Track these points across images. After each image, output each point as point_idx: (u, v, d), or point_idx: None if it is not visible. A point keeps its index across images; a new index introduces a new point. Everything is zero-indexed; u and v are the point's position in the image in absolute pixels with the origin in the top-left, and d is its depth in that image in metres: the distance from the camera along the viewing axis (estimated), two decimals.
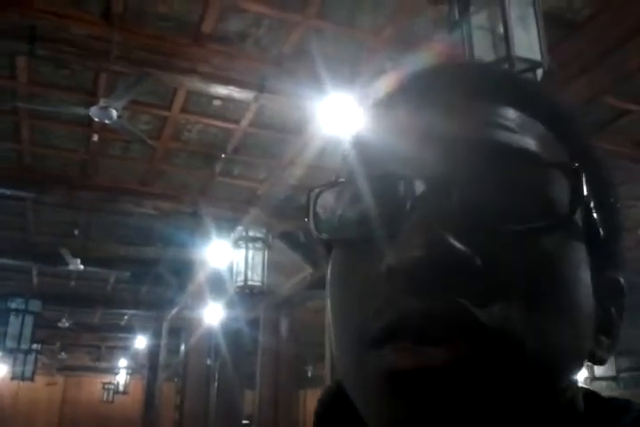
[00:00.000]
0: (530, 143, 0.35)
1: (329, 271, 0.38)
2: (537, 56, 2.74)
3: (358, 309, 0.33)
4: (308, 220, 0.37)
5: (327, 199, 0.38)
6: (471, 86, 0.38)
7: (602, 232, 0.36)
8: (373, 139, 0.39)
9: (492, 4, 2.88)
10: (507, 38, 2.72)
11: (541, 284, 0.31)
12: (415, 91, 0.39)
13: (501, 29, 2.81)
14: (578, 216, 0.34)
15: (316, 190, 0.37)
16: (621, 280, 0.39)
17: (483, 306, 0.29)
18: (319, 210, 0.37)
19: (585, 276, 0.34)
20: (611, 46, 3.47)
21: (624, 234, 0.40)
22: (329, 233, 0.37)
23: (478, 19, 2.94)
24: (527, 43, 2.76)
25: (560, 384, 0.33)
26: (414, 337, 0.29)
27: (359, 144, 0.40)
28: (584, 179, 0.33)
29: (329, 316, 0.37)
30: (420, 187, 0.32)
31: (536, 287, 0.31)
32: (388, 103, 0.41)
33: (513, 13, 2.84)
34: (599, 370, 8.89)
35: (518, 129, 0.36)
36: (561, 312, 0.32)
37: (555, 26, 3.49)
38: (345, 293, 0.35)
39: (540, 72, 2.72)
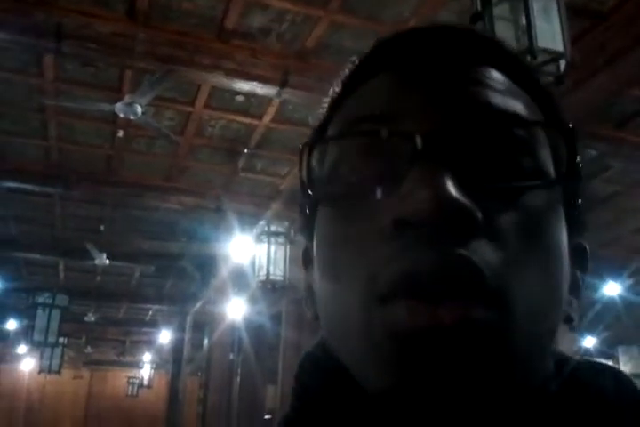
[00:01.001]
0: (520, 107, 0.35)
1: (320, 231, 0.37)
2: (560, 47, 2.72)
3: (360, 265, 0.32)
4: (301, 176, 0.36)
5: (320, 155, 0.37)
6: (460, 47, 0.38)
7: (579, 198, 0.38)
8: (366, 94, 0.38)
9: None
10: (529, 29, 2.71)
11: (533, 242, 0.33)
12: (404, 49, 0.39)
13: (524, 21, 2.80)
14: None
15: (309, 145, 0.36)
16: (586, 246, 0.41)
17: (485, 261, 0.30)
18: (313, 165, 0.36)
19: (565, 238, 0.36)
20: (636, 37, 3.42)
21: (588, 202, 0.41)
22: (323, 190, 0.37)
23: (501, 10, 2.93)
24: (550, 34, 2.75)
25: (550, 341, 0.34)
26: (424, 293, 0.29)
27: (351, 99, 0.39)
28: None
29: (319, 277, 0.36)
30: (418, 142, 0.32)
31: (528, 245, 0.32)
32: (376, 59, 0.40)
33: (535, 5, 2.82)
34: (625, 367, 8.78)
35: (507, 92, 0.36)
36: (548, 272, 0.33)
37: (579, 17, 3.46)
38: (344, 250, 0.34)
39: (562, 63, 2.70)
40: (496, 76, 0.37)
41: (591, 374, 0.38)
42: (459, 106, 0.34)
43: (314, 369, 0.40)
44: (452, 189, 0.30)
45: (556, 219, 0.35)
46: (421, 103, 0.35)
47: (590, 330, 8.70)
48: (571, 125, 0.34)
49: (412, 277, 0.30)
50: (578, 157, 0.34)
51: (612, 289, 7.59)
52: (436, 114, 0.34)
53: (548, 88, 0.40)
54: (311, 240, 0.40)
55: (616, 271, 7.28)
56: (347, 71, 0.42)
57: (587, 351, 8.80)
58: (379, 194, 0.33)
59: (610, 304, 7.71)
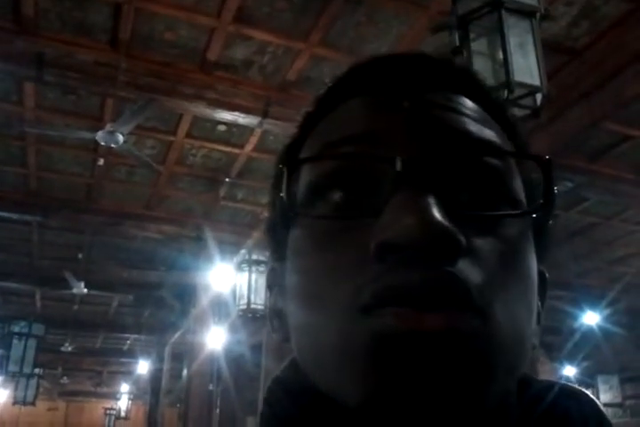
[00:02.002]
0: (494, 136, 0.36)
1: (295, 253, 0.37)
2: (536, 81, 2.78)
3: (343, 284, 0.32)
4: (282, 195, 0.35)
5: (296, 179, 0.37)
6: (436, 75, 0.39)
7: (548, 228, 0.38)
8: (343, 116, 0.39)
9: (492, 32, 2.93)
10: (506, 64, 2.77)
11: (509, 266, 0.33)
12: (381, 73, 0.39)
13: (501, 56, 2.86)
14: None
15: (287, 165, 0.36)
16: (546, 274, 0.42)
17: (470, 278, 0.30)
18: (287, 189, 0.36)
19: (535, 264, 0.36)
20: (609, 73, 3.52)
21: (553, 232, 0.42)
22: (301, 210, 0.36)
23: (478, 45, 2.99)
24: (526, 68, 2.81)
25: (524, 361, 0.35)
26: (412, 303, 0.29)
27: (327, 120, 0.40)
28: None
29: (294, 298, 0.36)
30: (399, 166, 0.32)
31: (505, 269, 0.33)
32: (352, 82, 0.40)
33: (512, 40, 2.89)
34: (605, 396, 8.77)
35: (481, 121, 0.37)
36: (524, 295, 0.34)
37: (555, 53, 3.55)
38: (324, 271, 0.34)
39: (539, 97, 2.75)
40: (470, 104, 0.38)
41: (556, 395, 0.38)
42: (438, 132, 0.35)
43: (284, 393, 0.39)
44: (436, 213, 0.30)
45: (528, 246, 0.36)
46: (401, 127, 0.35)
47: (570, 359, 8.71)
48: (548, 157, 0.35)
49: (400, 289, 0.30)
50: (555, 189, 0.34)
51: (590, 318, 7.63)
52: (416, 139, 0.34)
53: (514, 119, 0.41)
54: (280, 261, 0.40)
55: (594, 301, 7.33)
56: (321, 93, 0.42)
57: (567, 380, 8.78)
58: (361, 217, 0.33)
59: (589, 334, 7.75)
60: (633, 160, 4.76)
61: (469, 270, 0.31)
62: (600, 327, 7.63)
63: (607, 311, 7.42)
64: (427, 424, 0.30)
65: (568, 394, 0.39)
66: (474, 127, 0.36)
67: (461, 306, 0.30)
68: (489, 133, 0.36)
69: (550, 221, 0.39)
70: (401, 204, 0.31)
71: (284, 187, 0.35)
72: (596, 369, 9.15)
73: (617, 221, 6.09)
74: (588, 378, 9.36)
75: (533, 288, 0.35)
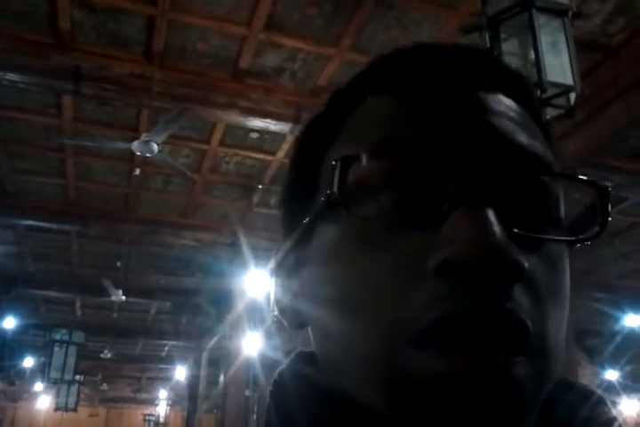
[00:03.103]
0: (543, 151, 0.34)
1: (331, 244, 0.34)
2: (569, 81, 2.74)
3: (395, 296, 0.30)
4: (334, 190, 0.32)
5: (364, 172, 0.34)
6: (478, 73, 0.36)
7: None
8: (382, 114, 0.36)
9: (523, 32, 2.91)
10: (538, 63, 2.73)
11: (556, 290, 0.33)
12: (414, 67, 0.36)
13: (533, 55, 2.83)
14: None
15: (346, 160, 0.33)
16: None
17: (529, 313, 0.29)
18: (350, 183, 0.33)
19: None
20: None
21: None
22: (358, 208, 0.33)
23: (509, 45, 2.96)
24: (559, 68, 2.77)
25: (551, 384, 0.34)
26: (467, 345, 0.28)
27: (362, 115, 0.37)
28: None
29: (326, 293, 0.34)
30: (462, 181, 0.31)
31: (553, 294, 0.32)
32: (380, 76, 0.38)
33: (544, 39, 2.85)
34: None
35: (528, 128, 0.35)
36: (564, 320, 0.33)
37: (590, 51, 3.50)
38: (369, 274, 0.32)
39: (572, 96, 2.71)
40: (519, 109, 0.36)
41: (562, 393, 0.37)
42: (494, 143, 0.33)
43: (296, 379, 0.38)
44: (500, 234, 0.28)
45: (567, 264, 0.35)
46: (455, 134, 0.33)
47: (612, 363, 8.51)
48: (607, 184, 0.33)
49: (454, 324, 0.28)
50: (609, 217, 0.33)
51: (632, 321, 7.44)
52: (472, 149, 0.32)
53: (547, 119, 0.40)
54: (298, 248, 0.38)
55: (636, 303, 7.16)
56: (354, 80, 0.40)
57: (610, 385, 8.58)
58: (416, 226, 0.31)
59: (631, 336, 7.55)
60: None
61: (526, 301, 0.30)
62: None
63: None
64: None
65: (574, 391, 0.38)
66: (526, 140, 0.34)
67: (519, 347, 0.29)
68: (541, 149, 0.34)
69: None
70: (464, 220, 0.29)
71: (335, 182, 0.32)
72: None
73: None
74: (632, 382, 9.13)
75: (568, 302, 0.34)
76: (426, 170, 0.32)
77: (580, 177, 0.34)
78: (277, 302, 0.41)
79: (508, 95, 0.36)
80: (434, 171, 0.32)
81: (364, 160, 0.33)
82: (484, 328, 0.28)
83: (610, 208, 0.33)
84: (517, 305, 0.29)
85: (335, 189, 0.32)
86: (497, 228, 0.28)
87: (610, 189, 0.33)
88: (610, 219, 0.33)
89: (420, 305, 0.29)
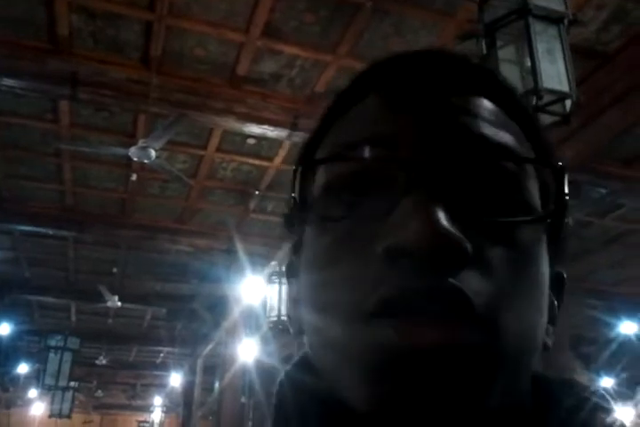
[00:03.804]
0: (510, 140, 0.36)
1: (309, 250, 0.37)
2: (565, 87, 2.76)
3: (352, 287, 0.32)
4: (294, 197, 0.36)
5: (313, 177, 0.38)
6: (453, 74, 0.38)
7: (564, 231, 0.38)
8: (356, 116, 0.39)
9: (519, 39, 2.93)
10: (534, 71, 2.75)
11: (520, 274, 0.33)
12: (396, 71, 0.39)
13: (529, 63, 2.85)
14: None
15: (301, 166, 0.37)
16: (564, 274, 0.41)
17: (473, 290, 0.30)
18: (305, 187, 0.37)
19: (547, 269, 0.36)
20: None
21: (569, 233, 0.42)
22: (314, 210, 0.37)
23: (506, 53, 2.98)
24: (555, 75, 2.79)
25: (530, 367, 0.35)
26: (412, 315, 0.30)
27: (342, 120, 0.40)
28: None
29: (306, 295, 0.36)
30: (412, 171, 0.32)
31: (516, 277, 0.33)
32: (368, 80, 0.40)
33: (540, 47, 2.87)
34: None
35: (498, 124, 0.36)
36: (534, 302, 0.34)
37: (586, 58, 3.52)
38: (333, 270, 0.34)
39: (568, 103, 2.73)
40: (488, 106, 0.37)
41: (561, 392, 0.38)
42: (454, 136, 0.34)
43: (294, 388, 0.39)
44: (444, 221, 0.30)
45: (541, 251, 0.36)
46: (417, 131, 0.35)
47: (607, 370, 8.51)
48: (560, 164, 0.35)
49: (399, 299, 0.30)
50: (567, 195, 0.34)
51: (628, 328, 7.45)
52: (429, 143, 0.34)
53: (538, 122, 0.41)
54: (297, 254, 0.41)
55: (631, 310, 7.17)
56: (340, 90, 0.42)
57: (605, 392, 8.57)
58: (369, 219, 0.33)
59: (626, 343, 7.56)
60: None
61: (475, 280, 0.31)
62: (638, 337, 7.45)
63: None
64: None
65: (573, 390, 0.39)
66: (490, 131, 0.35)
67: (462, 318, 0.30)
68: (505, 137, 0.35)
69: (565, 226, 0.38)
70: (410, 209, 0.31)
71: (296, 187, 0.36)
72: (636, 380, 8.92)
73: None
74: (627, 389, 9.13)
75: (543, 292, 0.35)
76: (383, 166, 0.34)
77: (530, 157, 0.37)
78: (287, 309, 0.43)
79: (487, 97, 0.38)
80: (391, 166, 0.34)
81: (325, 164, 0.37)
82: (424, 301, 0.30)
83: (566, 187, 0.34)
84: (461, 281, 0.30)
85: (296, 193, 0.36)
86: (441, 215, 0.30)
87: (562, 167, 0.35)
88: (567, 198, 0.34)
89: (370, 287, 0.31)
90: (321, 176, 0.37)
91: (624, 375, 8.70)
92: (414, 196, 0.31)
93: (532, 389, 0.37)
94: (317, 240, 0.36)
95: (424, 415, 0.30)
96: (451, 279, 0.30)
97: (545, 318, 0.36)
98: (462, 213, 0.31)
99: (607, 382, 8.90)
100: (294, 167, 0.37)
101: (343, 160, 0.36)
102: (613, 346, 7.53)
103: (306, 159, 0.40)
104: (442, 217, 0.30)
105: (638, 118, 3.84)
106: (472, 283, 0.30)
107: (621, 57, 3.60)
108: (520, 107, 0.40)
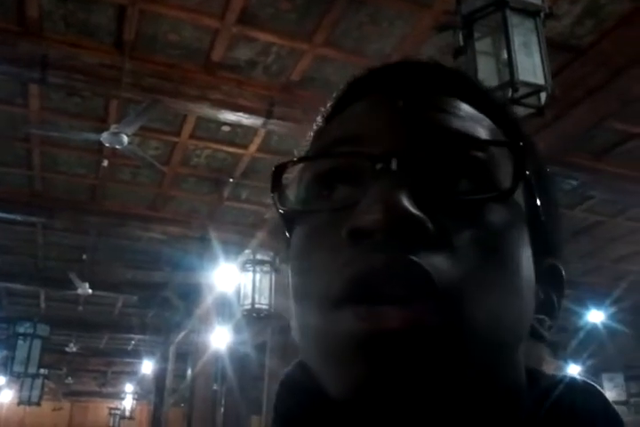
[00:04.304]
0: (479, 130, 0.38)
1: (293, 246, 0.39)
2: (540, 80, 2.78)
3: (322, 273, 0.34)
4: (273, 194, 0.38)
5: (292, 175, 0.40)
6: (431, 82, 0.41)
7: (542, 216, 0.39)
8: (341, 120, 0.41)
9: (496, 31, 2.94)
10: (510, 63, 2.77)
11: (489, 255, 0.33)
12: (383, 81, 0.41)
13: (505, 55, 2.86)
14: (520, 195, 0.37)
15: (281, 166, 0.39)
16: (561, 268, 0.42)
17: (435, 267, 0.31)
18: (285, 185, 0.39)
19: (525, 254, 0.36)
20: (614, 71, 3.51)
21: (563, 226, 0.43)
22: (294, 206, 0.39)
23: (482, 45, 2.99)
24: (531, 67, 2.81)
25: (510, 353, 0.35)
26: (372, 297, 0.30)
27: (328, 125, 0.43)
28: (526, 157, 0.36)
29: (290, 285, 0.38)
30: (378, 162, 0.34)
31: (483, 258, 0.33)
32: (355, 89, 0.43)
33: (516, 39, 2.89)
34: (609, 394, 8.76)
35: (467, 118, 0.38)
36: (505, 285, 0.34)
37: (559, 51, 3.55)
38: (310, 261, 0.36)
39: (543, 95, 2.75)
40: (459, 104, 0.39)
41: (564, 390, 0.38)
42: (419, 129, 0.36)
43: (289, 391, 0.40)
44: (404, 201, 0.31)
45: (514, 234, 0.36)
46: (387, 127, 0.37)
47: (575, 357, 8.70)
48: (521, 143, 0.36)
49: (360, 282, 0.31)
50: (525, 172, 0.35)
51: (595, 317, 7.62)
52: (398, 136, 0.36)
53: (512, 116, 0.43)
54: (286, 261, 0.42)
55: (599, 299, 7.32)
56: (331, 101, 0.45)
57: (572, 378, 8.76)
58: (342, 209, 0.34)
59: (593, 332, 7.74)
60: (637, 158, 4.76)
61: (439, 259, 0.31)
62: (605, 325, 7.63)
63: (612, 309, 7.41)
64: (404, 420, 0.31)
65: (576, 388, 0.39)
66: (456, 123, 0.37)
67: (424, 296, 0.30)
68: (470, 126, 0.37)
69: (542, 211, 0.39)
70: (375, 195, 0.32)
71: (275, 187, 0.38)
72: (601, 367, 9.14)
73: (621, 219, 6.09)
74: (593, 376, 9.35)
75: (520, 276, 0.35)
76: (355, 161, 0.36)
77: (491, 140, 0.38)
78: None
79: (460, 98, 0.40)
80: (361, 161, 0.36)
81: (297, 164, 0.40)
82: (380, 285, 0.30)
83: (524, 165, 0.35)
84: (422, 259, 0.31)
85: (275, 193, 0.38)
86: (402, 197, 0.31)
87: (522, 147, 0.36)
88: (527, 173, 0.35)
89: (336, 273, 0.32)
90: (302, 176, 0.40)
91: (590, 362, 8.91)
92: (379, 184, 0.33)
93: (529, 386, 0.38)
94: (297, 233, 0.38)
95: (399, 399, 0.30)
96: (410, 256, 0.31)
97: (527, 305, 0.36)
98: (428, 198, 0.33)
99: (574, 369, 9.10)
100: (273, 168, 0.39)
101: (318, 157, 0.39)
102: (581, 334, 7.70)
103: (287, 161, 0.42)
104: (403, 199, 0.31)
105: (609, 112, 3.89)
106: (435, 261, 0.31)
107: (594, 51, 3.64)
108: (495, 106, 0.42)
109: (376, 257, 0.31)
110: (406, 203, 0.31)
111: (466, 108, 0.39)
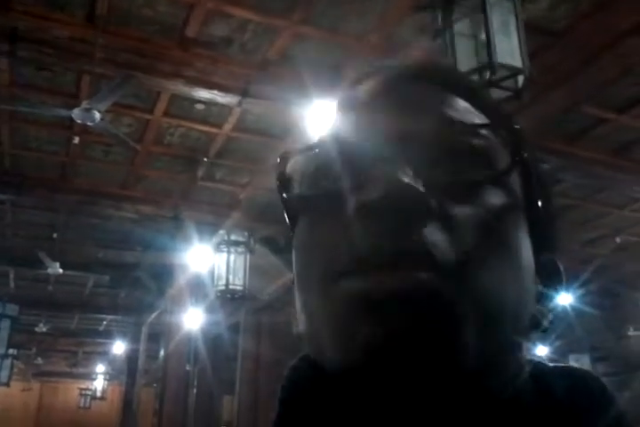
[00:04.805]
0: (475, 120, 0.40)
1: (298, 231, 0.40)
2: (518, 63, 2.79)
3: (327, 250, 0.35)
4: (279, 181, 0.40)
5: (298, 164, 0.41)
6: (428, 81, 0.43)
7: (540, 206, 0.40)
8: (347, 117, 0.42)
9: (475, 13, 2.93)
10: (489, 45, 2.77)
11: (488, 235, 0.35)
12: (385, 81, 0.43)
13: (483, 37, 2.86)
14: (518, 185, 0.39)
15: (288, 154, 0.41)
16: (559, 263, 0.43)
17: (436, 240, 0.33)
18: (289, 173, 0.40)
19: (524, 242, 0.38)
20: (590, 56, 3.53)
21: (559, 222, 0.45)
22: (299, 192, 0.40)
23: (461, 26, 2.98)
24: (509, 50, 2.81)
25: (512, 336, 0.36)
26: (376, 267, 0.32)
27: (337, 119, 0.44)
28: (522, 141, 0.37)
29: (294, 276, 0.39)
30: (382, 150, 0.36)
31: (483, 237, 0.34)
32: (360, 88, 0.45)
33: (495, 21, 2.88)
34: None
35: (465, 111, 0.40)
36: (503, 261, 0.35)
37: (536, 34, 3.55)
38: (315, 241, 0.37)
39: (521, 78, 2.76)
40: (453, 98, 0.41)
41: (548, 376, 0.40)
42: (420, 116, 0.38)
43: (299, 380, 0.41)
44: (407, 179, 0.33)
45: (514, 220, 0.37)
46: (388, 117, 0.39)
47: (543, 339, 8.89)
48: (517, 126, 0.38)
49: (364, 254, 0.32)
50: (523, 154, 0.37)
51: (563, 299, 7.78)
52: (400, 124, 0.38)
53: (504, 112, 0.45)
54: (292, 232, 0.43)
55: (567, 282, 7.46)
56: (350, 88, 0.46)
57: (540, 359, 8.96)
58: (345, 192, 0.36)
59: (561, 314, 7.89)
60: (609, 143, 4.82)
61: (437, 236, 0.33)
62: (572, 308, 7.78)
63: (579, 292, 7.56)
64: (404, 388, 0.32)
65: (573, 377, 0.40)
66: (454, 113, 0.39)
67: (425, 265, 0.32)
68: (466, 116, 0.39)
69: (541, 204, 0.40)
70: (379, 176, 0.33)
71: (281, 175, 0.40)
72: (568, 349, 9.35)
73: (590, 203, 6.18)
74: (560, 357, 9.56)
75: (518, 260, 0.36)
76: (353, 147, 0.38)
77: (488, 123, 0.40)
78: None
79: (454, 93, 0.42)
80: (363, 149, 0.37)
81: (304, 153, 0.41)
82: (382, 257, 0.32)
83: (520, 143, 0.37)
84: (421, 231, 0.32)
85: (278, 181, 0.40)
86: (404, 174, 0.33)
87: (518, 128, 0.38)
88: (523, 152, 0.37)
89: (341, 245, 0.34)
90: (309, 161, 0.41)
91: (558, 344, 9.11)
92: (382, 166, 0.34)
93: (532, 378, 0.39)
94: (302, 218, 0.40)
95: (400, 366, 0.31)
96: (412, 232, 0.32)
97: (527, 292, 0.37)
98: (430, 179, 0.34)
99: (542, 350, 9.30)
100: (278, 158, 0.41)
101: (310, 149, 0.41)
102: (550, 316, 7.85)
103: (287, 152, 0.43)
104: (406, 178, 0.33)
105: (584, 96, 3.93)
106: (436, 235, 0.33)
107: (570, 35, 3.65)
108: (484, 99, 0.44)
109: (380, 230, 0.32)
110: (409, 180, 0.32)
111: (458, 100, 0.41)
